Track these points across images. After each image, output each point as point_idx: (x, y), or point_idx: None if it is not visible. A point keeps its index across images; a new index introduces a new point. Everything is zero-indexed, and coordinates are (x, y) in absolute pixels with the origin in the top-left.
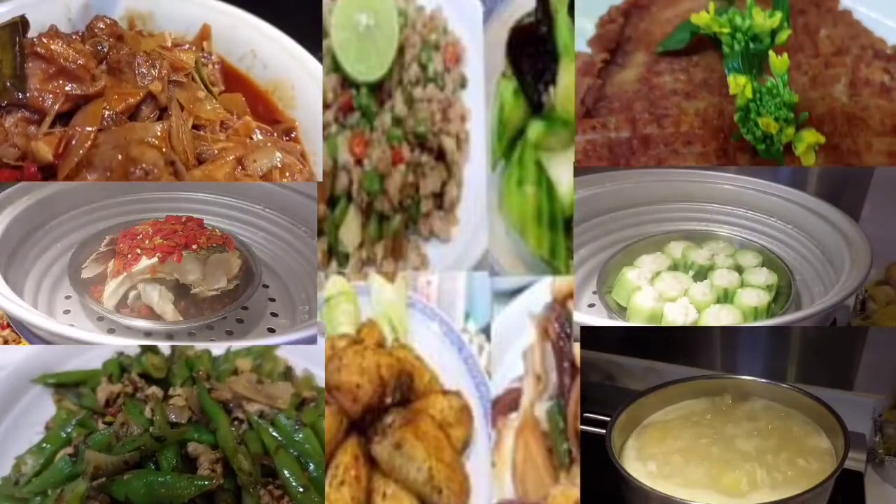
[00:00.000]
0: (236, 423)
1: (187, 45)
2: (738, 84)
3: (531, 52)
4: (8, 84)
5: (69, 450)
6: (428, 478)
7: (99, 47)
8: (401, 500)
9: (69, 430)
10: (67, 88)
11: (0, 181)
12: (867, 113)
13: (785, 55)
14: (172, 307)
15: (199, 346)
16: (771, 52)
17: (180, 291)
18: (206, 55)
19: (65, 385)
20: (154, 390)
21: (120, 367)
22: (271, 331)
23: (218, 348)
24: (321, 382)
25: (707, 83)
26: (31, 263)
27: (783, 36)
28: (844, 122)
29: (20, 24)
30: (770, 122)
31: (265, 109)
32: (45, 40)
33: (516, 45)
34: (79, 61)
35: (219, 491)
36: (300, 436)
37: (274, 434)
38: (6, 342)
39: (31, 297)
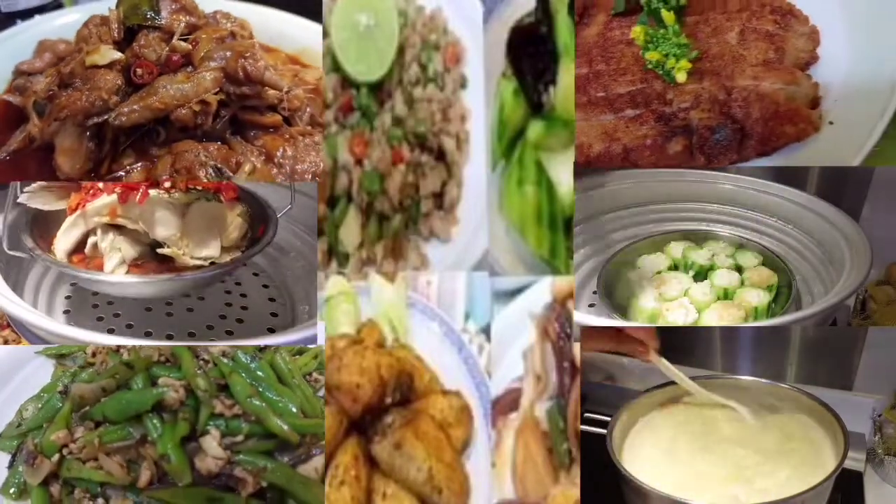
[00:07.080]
0: (202, 362)
1: None
2: (637, 32)
3: (531, 52)
4: (148, 14)
5: (60, 389)
6: (428, 478)
7: None
8: (401, 500)
9: (65, 381)
10: (187, 19)
11: (147, 73)
12: (747, 51)
13: (672, 12)
14: (120, 265)
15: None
16: (663, 10)
17: (149, 251)
18: None
19: (63, 355)
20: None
21: None
22: (271, 331)
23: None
24: None
25: None
26: (31, 263)
27: (683, 1)
28: (730, 58)
29: None
30: (657, 55)
31: None
32: None
33: (516, 45)
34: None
35: (181, 407)
36: (255, 366)
37: (228, 363)
38: (6, 342)
39: (31, 297)
